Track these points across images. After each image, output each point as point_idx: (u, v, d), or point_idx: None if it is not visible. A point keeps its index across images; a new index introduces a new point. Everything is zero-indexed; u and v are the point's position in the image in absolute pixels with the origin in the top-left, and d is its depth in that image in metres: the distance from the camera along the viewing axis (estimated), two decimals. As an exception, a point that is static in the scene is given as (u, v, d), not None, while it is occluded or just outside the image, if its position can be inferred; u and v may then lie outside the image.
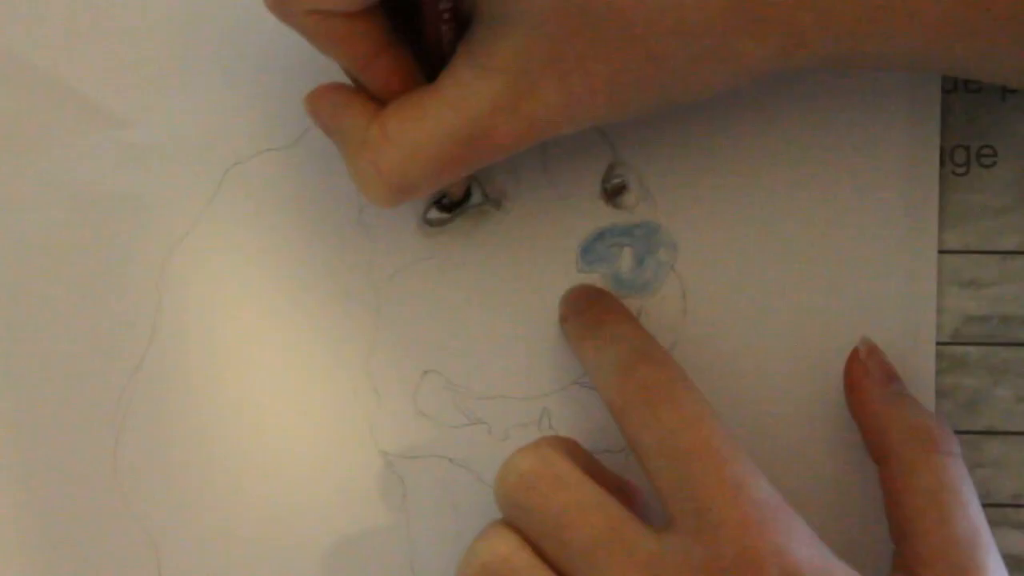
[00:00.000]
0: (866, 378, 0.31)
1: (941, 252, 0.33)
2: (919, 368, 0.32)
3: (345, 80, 0.29)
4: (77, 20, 0.33)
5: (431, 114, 0.27)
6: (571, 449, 0.29)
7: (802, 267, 0.33)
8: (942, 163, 0.33)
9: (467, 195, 0.33)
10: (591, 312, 0.31)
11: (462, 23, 0.28)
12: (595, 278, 0.33)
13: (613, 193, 0.33)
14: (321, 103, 0.29)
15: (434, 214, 0.33)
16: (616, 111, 0.28)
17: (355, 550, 0.33)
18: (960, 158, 0.33)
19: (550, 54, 0.26)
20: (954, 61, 0.28)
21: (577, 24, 0.26)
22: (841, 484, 0.32)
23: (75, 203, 0.33)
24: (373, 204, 0.29)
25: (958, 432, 0.31)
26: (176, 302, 0.33)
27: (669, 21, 0.26)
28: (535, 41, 0.26)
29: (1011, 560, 0.32)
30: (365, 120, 0.28)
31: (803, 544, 0.26)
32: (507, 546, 0.27)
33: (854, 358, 0.31)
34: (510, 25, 0.26)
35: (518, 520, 0.28)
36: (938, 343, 0.33)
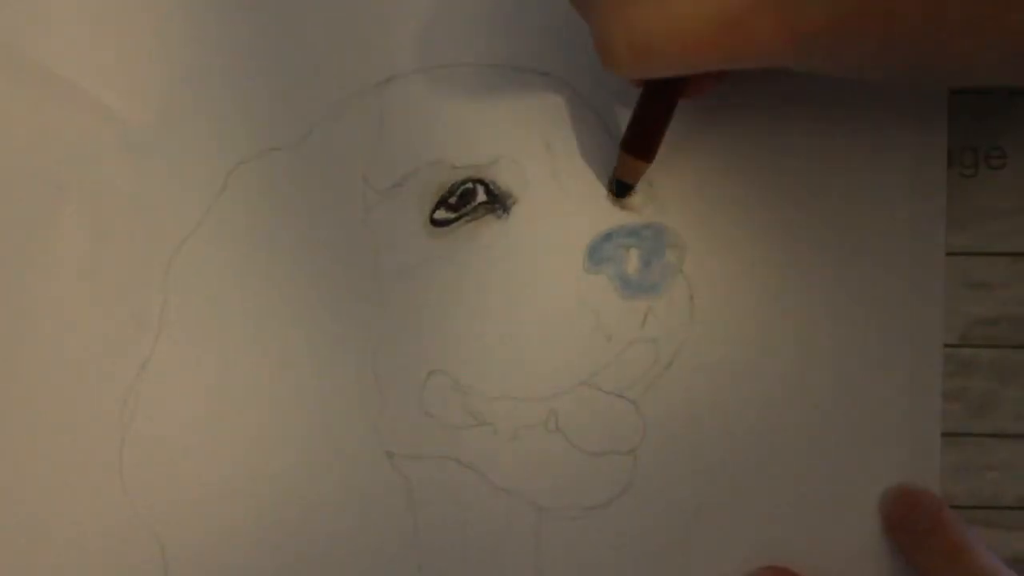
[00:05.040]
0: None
1: (949, 254, 0.33)
2: (926, 370, 0.32)
3: None
4: (81, 20, 0.33)
5: None
6: None
7: (809, 269, 0.33)
8: (950, 164, 0.33)
9: (474, 195, 0.33)
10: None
11: None
12: (601, 279, 0.33)
13: (620, 194, 0.33)
14: None
15: (441, 214, 0.33)
16: (879, 56, 0.26)
17: (361, 550, 0.33)
18: (968, 160, 0.33)
19: None
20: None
21: None
22: (846, 484, 0.32)
23: (79, 203, 0.33)
24: (609, 67, 0.28)
25: (965, 435, 0.31)
26: (181, 301, 0.33)
27: None
28: None
29: (1018, 564, 0.32)
30: None
31: None
32: None
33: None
34: None
35: None
36: (946, 345, 0.32)
